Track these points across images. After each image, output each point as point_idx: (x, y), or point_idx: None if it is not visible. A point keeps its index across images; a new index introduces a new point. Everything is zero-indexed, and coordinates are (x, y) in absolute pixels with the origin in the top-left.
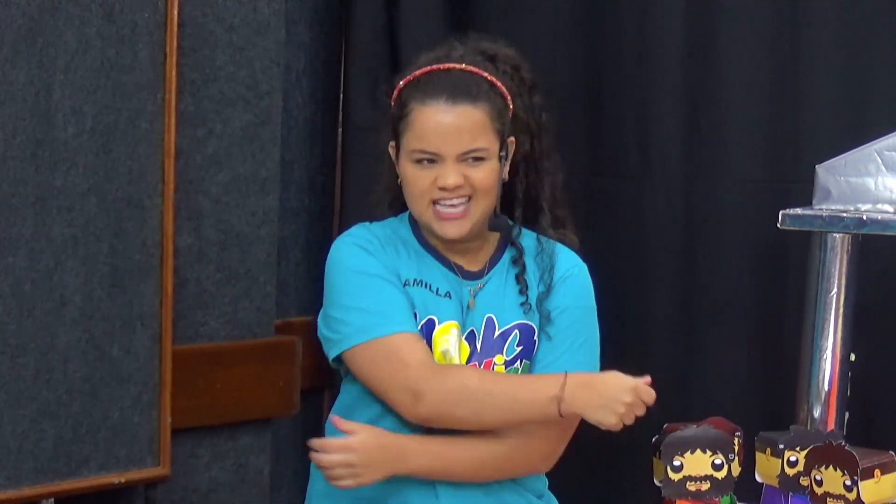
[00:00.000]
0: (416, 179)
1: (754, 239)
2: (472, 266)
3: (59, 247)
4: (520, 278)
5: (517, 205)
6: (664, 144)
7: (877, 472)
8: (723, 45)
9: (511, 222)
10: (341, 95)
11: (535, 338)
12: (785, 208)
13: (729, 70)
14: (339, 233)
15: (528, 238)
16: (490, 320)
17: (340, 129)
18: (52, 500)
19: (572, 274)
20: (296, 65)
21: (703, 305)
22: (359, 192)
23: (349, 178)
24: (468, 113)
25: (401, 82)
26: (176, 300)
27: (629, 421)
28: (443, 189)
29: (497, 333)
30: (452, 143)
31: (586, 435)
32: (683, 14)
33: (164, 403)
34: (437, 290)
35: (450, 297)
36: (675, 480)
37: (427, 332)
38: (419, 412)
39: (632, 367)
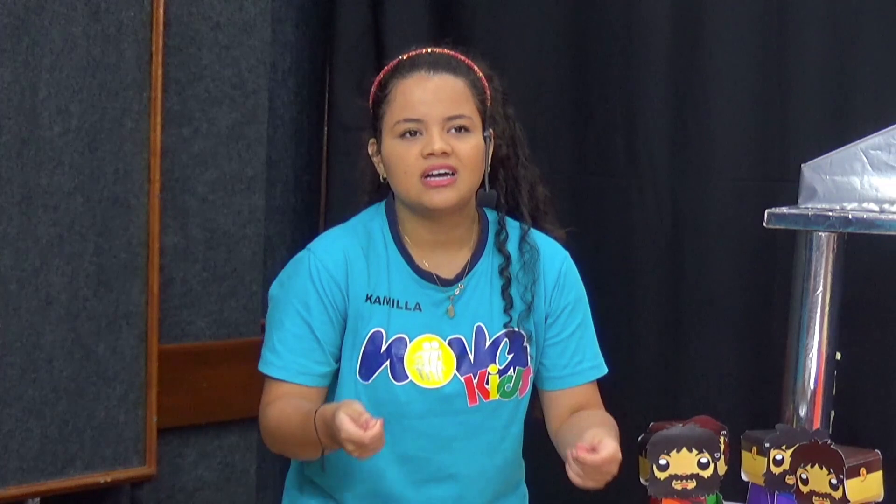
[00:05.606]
0: (401, 155)
1: (741, 237)
2: (449, 271)
3: (44, 246)
4: (505, 293)
5: (499, 210)
6: (651, 143)
7: (862, 470)
8: (709, 44)
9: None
10: (327, 94)
11: (527, 343)
12: (771, 207)
13: (715, 69)
14: (325, 230)
15: (512, 241)
16: (480, 329)
17: (326, 128)
18: (38, 499)
19: (565, 268)
20: (282, 64)
21: (689, 304)
22: (344, 190)
23: (334, 176)
24: (450, 81)
25: (380, 74)
26: (162, 299)
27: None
28: (430, 155)
29: (488, 343)
30: (435, 106)
31: None
32: (669, 13)
33: (150, 403)
34: (406, 303)
35: (420, 308)
36: (661, 479)
37: (398, 351)
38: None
39: (620, 366)
